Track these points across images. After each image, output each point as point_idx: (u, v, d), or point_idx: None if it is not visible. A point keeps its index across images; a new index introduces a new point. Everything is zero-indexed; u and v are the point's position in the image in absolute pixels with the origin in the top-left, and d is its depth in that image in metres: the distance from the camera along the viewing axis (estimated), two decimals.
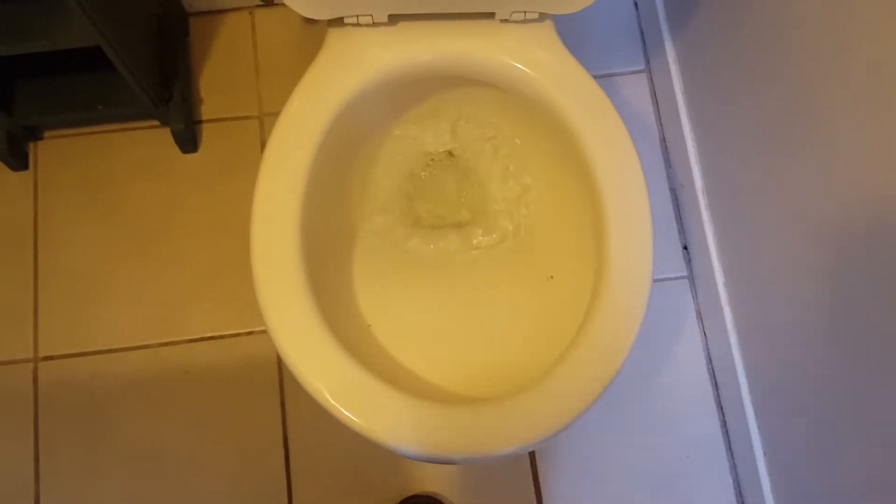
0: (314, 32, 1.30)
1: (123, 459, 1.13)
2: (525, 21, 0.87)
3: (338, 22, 0.87)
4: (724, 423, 1.17)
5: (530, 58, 0.86)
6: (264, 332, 1.12)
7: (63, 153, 1.24)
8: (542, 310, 0.92)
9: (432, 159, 1.03)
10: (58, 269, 1.20)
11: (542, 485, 1.14)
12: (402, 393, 0.75)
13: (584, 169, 0.84)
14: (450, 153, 1.03)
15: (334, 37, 0.87)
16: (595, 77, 0.87)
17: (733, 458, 1.15)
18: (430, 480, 1.13)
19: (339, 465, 1.14)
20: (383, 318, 0.92)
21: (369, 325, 0.91)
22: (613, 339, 0.77)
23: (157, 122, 1.23)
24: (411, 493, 1.12)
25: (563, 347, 0.78)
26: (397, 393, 0.75)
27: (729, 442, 1.16)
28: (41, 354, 1.16)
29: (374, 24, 0.86)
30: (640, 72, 1.33)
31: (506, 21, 0.87)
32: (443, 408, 0.76)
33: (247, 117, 1.27)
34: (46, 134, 1.25)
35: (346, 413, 0.74)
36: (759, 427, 1.08)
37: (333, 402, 0.74)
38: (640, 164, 0.83)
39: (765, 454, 1.07)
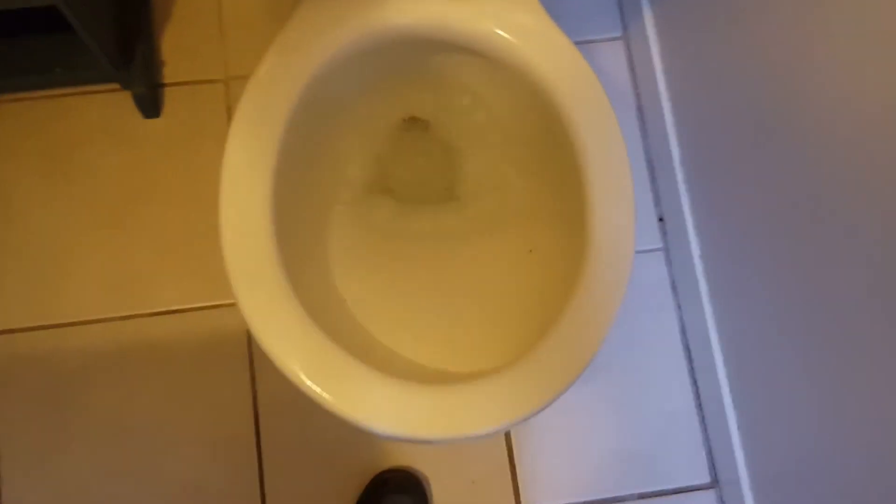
0: None
1: (89, 436, 1.10)
2: None
3: None
4: (697, 396, 1.17)
5: (511, 24, 0.83)
6: (233, 304, 1.09)
7: (19, 118, 1.18)
8: (521, 284, 0.91)
9: (409, 129, 1.00)
10: (15, 240, 1.15)
11: (516, 458, 1.14)
12: (377, 371, 0.73)
13: (565, 139, 0.82)
14: (427, 122, 1.01)
15: None
16: None
17: (706, 431, 1.16)
18: (404, 455, 1.12)
19: (311, 440, 1.12)
20: (358, 294, 0.90)
21: (344, 301, 0.89)
22: (594, 316, 0.76)
23: (117, 86, 1.18)
24: (385, 468, 1.11)
25: (544, 323, 0.76)
26: (372, 371, 0.73)
27: (702, 414, 1.16)
28: None
29: None
30: (616, 39, 1.30)
31: None
32: (419, 387, 0.73)
33: (212, 81, 1.23)
34: (1, 98, 1.19)
35: (320, 392, 0.72)
36: (732, 399, 1.08)
37: (306, 381, 0.72)
38: (622, 135, 0.81)
39: (738, 427, 1.07)
